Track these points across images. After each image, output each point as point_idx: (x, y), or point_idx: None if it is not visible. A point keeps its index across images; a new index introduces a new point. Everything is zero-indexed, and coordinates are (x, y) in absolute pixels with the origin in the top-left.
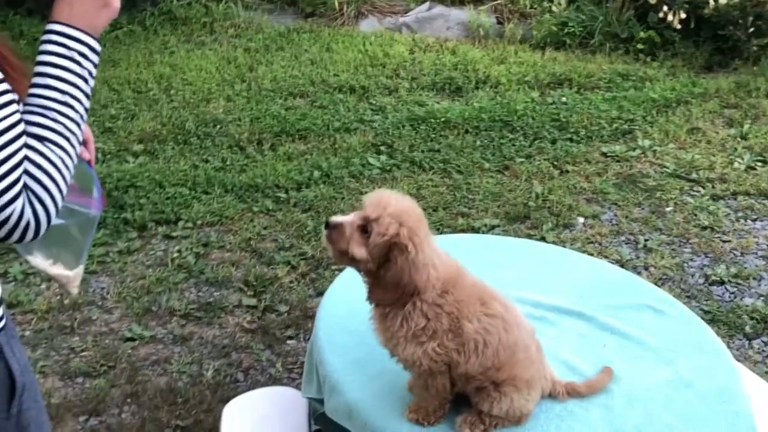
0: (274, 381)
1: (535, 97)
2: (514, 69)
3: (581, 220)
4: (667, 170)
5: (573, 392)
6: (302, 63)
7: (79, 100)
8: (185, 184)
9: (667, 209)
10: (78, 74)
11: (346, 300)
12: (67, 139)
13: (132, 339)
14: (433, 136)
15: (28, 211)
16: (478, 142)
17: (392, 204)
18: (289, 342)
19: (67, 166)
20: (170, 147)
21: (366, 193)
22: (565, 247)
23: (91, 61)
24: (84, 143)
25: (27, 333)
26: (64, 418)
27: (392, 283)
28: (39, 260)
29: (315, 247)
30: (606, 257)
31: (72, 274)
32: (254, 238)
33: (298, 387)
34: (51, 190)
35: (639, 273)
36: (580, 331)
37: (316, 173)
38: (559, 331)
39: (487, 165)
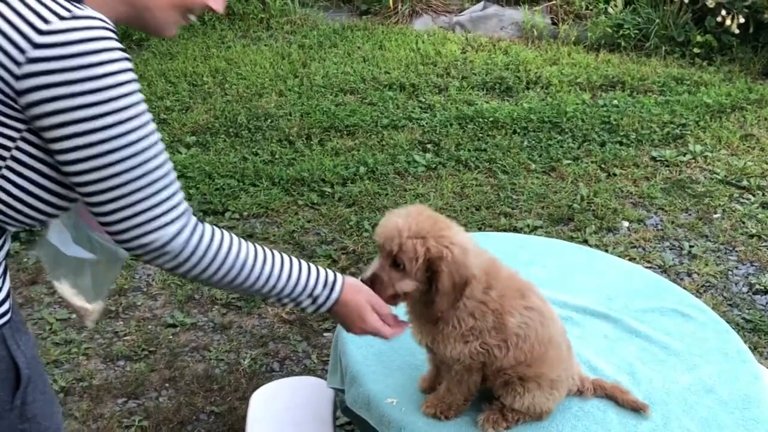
0: (308, 372)
1: (586, 99)
2: (566, 70)
3: (626, 224)
4: (717, 176)
5: (599, 390)
6: (354, 60)
7: (263, 289)
8: (234, 176)
9: (715, 216)
10: (287, 294)
11: None
12: (245, 274)
13: (173, 325)
14: (481, 135)
15: (181, 240)
16: (526, 143)
17: (403, 225)
18: (325, 334)
19: (226, 274)
20: (222, 139)
21: (410, 190)
22: (607, 251)
23: (302, 308)
24: None
25: (74, 316)
26: (104, 399)
27: (448, 288)
28: (65, 288)
29: (356, 242)
30: (649, 262)
31: (90, 308)
32: (298, 230)
33: (324, 376)
34: (208, 257)
35: (681, 279)
36: (605, 332)
37: (362, 169)
38: (584, 332)
39: (533, 166)
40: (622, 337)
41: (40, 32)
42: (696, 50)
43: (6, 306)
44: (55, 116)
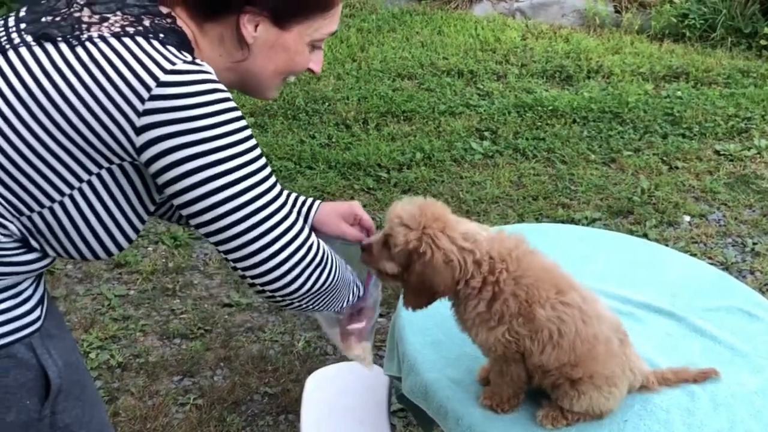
0: None
1: (649, 90)
2: (628, 60)
3: (687, 218)
4: None
5: (662, 380)
6: (413, 45)
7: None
8: (291, 158)
9: None
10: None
11: None
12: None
13: (229, 305)
14: (539, 124)
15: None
16: (585, 133)
17: (403, 213)
18: (379, 320)
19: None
20: (279, 122)
21: (466, 177)
22: (667, 245)
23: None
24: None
25: (131, 293)
26: (160, 376)
27: (417, 287)
28: (335, 333)
29: None
30: (710, 258)
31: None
32: None
33: (382, 364)
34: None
35: (744, 277)
36: (667, 330)
37: (418, 155)
38: (645, 329)
39: (592, 156)
40: (685, 335)
41: (165, 71)
42: (763, 42)
43: (36, 314)
44: (175, 152)
